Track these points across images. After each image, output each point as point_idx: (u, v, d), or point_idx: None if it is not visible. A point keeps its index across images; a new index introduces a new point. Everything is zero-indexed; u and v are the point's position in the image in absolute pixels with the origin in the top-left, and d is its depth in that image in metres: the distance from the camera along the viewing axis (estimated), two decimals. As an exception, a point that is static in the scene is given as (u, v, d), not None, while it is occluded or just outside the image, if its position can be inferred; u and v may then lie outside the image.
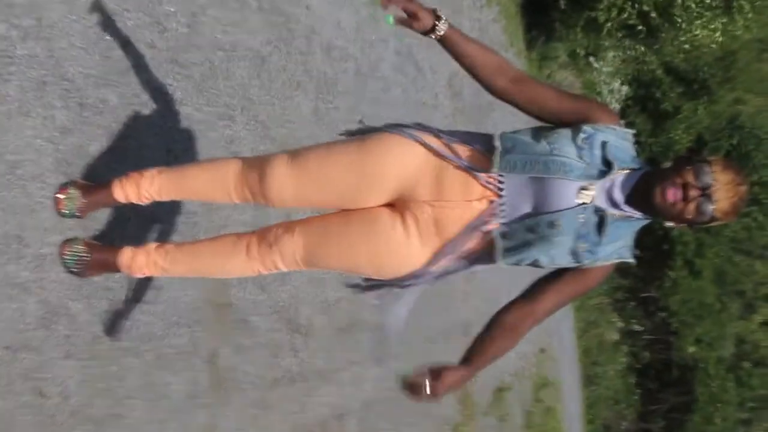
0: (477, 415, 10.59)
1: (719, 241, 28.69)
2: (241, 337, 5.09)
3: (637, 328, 30.52)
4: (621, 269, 21.78)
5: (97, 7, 3.99)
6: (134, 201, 3.68)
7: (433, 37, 3.16)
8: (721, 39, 19.04)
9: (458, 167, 3.23)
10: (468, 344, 3.28)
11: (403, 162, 3.30)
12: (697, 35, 18.62)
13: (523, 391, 14.00)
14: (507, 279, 11.83)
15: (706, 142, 27.94)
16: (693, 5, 17.37)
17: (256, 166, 3.48)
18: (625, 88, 24.50)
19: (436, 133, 3.34)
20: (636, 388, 31.21)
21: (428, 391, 3.00)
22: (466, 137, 3.33)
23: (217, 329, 4.85)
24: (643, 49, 21.02)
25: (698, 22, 18.14)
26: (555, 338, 18.87)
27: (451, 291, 9.85)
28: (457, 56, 3.25)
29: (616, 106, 23.83)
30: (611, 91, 23.23)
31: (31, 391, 3.41)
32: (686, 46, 19.06)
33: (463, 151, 3.27)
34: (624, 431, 31.28)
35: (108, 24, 4.05)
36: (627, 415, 31.09)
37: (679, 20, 17.73)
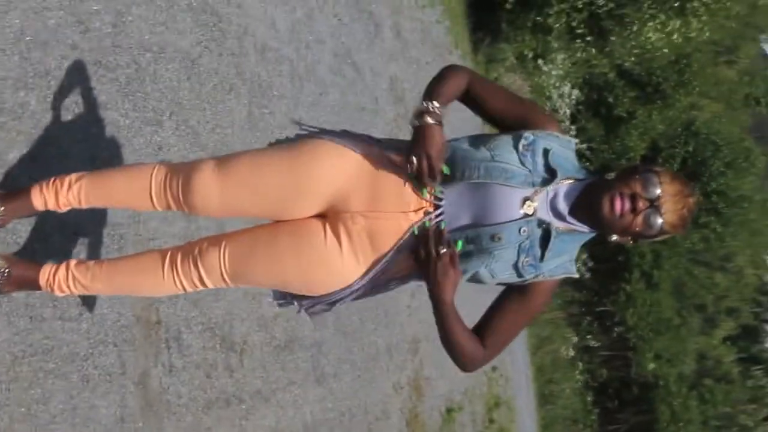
0: (426, 438, 10.60)
1: (677, 253, 29.02)
2: (172, 357, 5.06)
3: (593, 343, 30.71)
4: (575, 282, 21.84)
5: (16, 5, 3.96)
6: (52, 208, 3.65)
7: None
8: (678, 41, 19.28)
9: (393, 177, 3.25)
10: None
11: (336, 170, 3.31)
12: (650, 38, 18.83)
13: (475, 412, 14.04)
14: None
15: (662, 148, 28.27)
16: (645, 6, 17.57)
17: (181, 171, 3.46)
18: (575, 92, 24.74)
19: (368, 140, 3.37)
20: (594, 407, 31.39)
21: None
22: (401, 145, 3.35)
23: (147, 348, 4.83)
24: (593, 51, 21.22)
25: (651, 24, 18.36)
26: (507, 355, 18.94)
27: (395, 305, 9.87)
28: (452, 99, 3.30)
29: (566, 111, 24.05)
30: (561, 96, 23.43)
31: (-53, 415, 3.37)
32: (636, 50, 19.28)
33: (398, 159, 3.29)
34: (582, 453, 31.43)
35: (27, 23, 4.02)
36: (585, 436, 31.25)
37: (630, 22, 17.95)
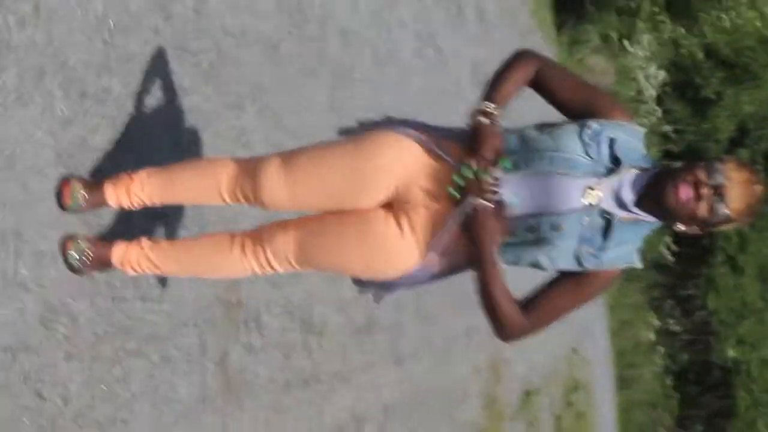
0: (504, 420, 10.61)
1: (763, 237, 28.53)
2: (252, 338, 5.12)
3: (674, 328, 30.38)
4: (658, 266, 21.63)
5: (99, -8, 4.02)
6: (125, 206, 3.72)
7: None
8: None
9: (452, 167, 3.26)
10: None
11: (399, 162, 3.33)
12: (741, 14, 18.56)
13: (553, 395, 14.00)
14: (523, 280, 11.85)
15: (750, 130, 27.80)
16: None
17: (249, 169, 3.52)
18: (662, 73, 24.42)
19: (430, 129, 3.38)
20: (674, 392, 31.07)
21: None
22: (461, 133, 3.36)
23: (227, 329, 4.89)
24: (682, 31, 20.94)
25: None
26: (587, 339, 18.86)
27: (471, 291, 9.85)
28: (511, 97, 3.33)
29: (652, 93, 23.76)
30: (647, 77, 23.16)
31: (30, 393, 3.43)
32: (726, 24, 18.97)
33: (458, 149, 3.30)
34: (661, 437, 31.17)
35: (110, 9, 4.07)
36: (663, 421, 30.96)
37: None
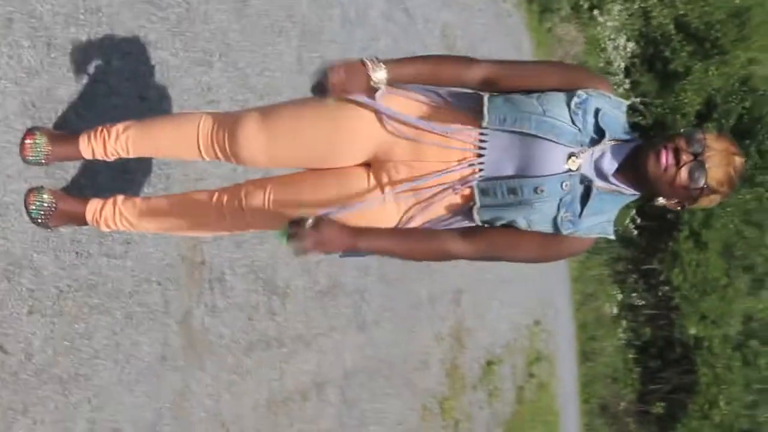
0: (465, 389, 10.68)
1: (728, 212, 28.71)
2: (215, 297, 5.15)
3: (638, 302, 30.61)
4: (622, 239, 21.74)
5: (68, -59, 4.00)
6: (100, 158, 3.72)
7: (377, 85, 3.23)
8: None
9: (437, 127, 3.28)
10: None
11: (378, 123, 3.36)
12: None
13: (515, 365, 14.11)
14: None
15: (717, 104, 27.95)
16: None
17: (226, 124, 3.52)
18: (631, 45, 24.51)
19: (411, 89, 3.39)
20: (635, 366, 31.34)
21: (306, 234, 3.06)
22: (450, 96, 3.39)
23: (191, 288, 4.91)
24: (654, 0, 20.96)
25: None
26: (550, 310, 18.98)
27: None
28: (417, 83, 3.33)
29: (621, 64, 23.85)
30: (616, 48, 23.25)
31: (-8, 346, 3.46)
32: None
33: (444, 112, 3.33)
34: (622, 412, 31.40)
35: (79, -41, 4.07)
36: (625, 395, 31.24)
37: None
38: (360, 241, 3.20)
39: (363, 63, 3.21)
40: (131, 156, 3.71)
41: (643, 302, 30.74)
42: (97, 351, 4.05)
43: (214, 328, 5.12)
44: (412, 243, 3.31)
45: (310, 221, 3.05)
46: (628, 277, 30.63)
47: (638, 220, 26.33)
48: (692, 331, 29.64)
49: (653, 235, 28.46)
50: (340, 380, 6.92)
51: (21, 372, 3.58)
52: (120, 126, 3.67)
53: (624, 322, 30.15)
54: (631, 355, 31.19)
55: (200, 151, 3.59)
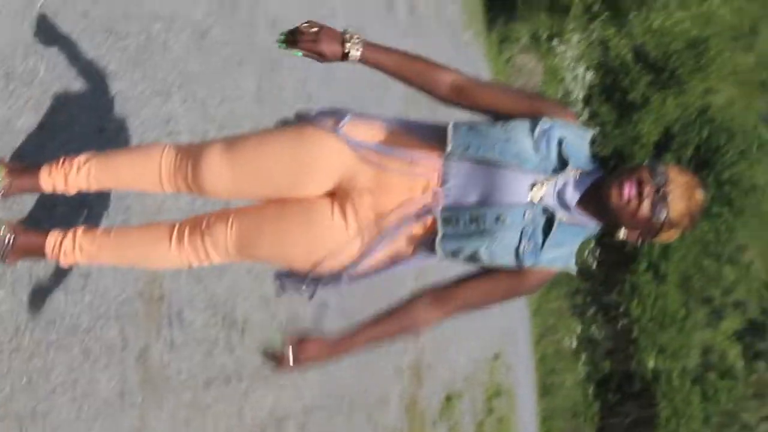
0: (425, 424, 10.67)
1: (686, 244, 28.93)
2: (174, 333, 5.12)
3: (597, 335, 30.72)
4: (582, 272, 21.89)
5: (28, -30, 4.00)
6: (61, 191, 3.69)
7: (350, 61, 3.25)
8: (697, 15, 19.27)
9: (401, 155, 3.30)
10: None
11: (342, 152, 3.37)
12: (672, 14, 18.82)
13: (475, 400, 14.11)
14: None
15: (675, 135, 28.21)
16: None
17: (189, 155, 3.52)
18: (590, 75, 24.71)
19: (376, 118, 3.42)
20: (595, 400, 31.40)
21: (291, 362, 3.24)
22: (415, 124, 3.43)
23: (149, 323, 4.88)
24: (612, 31, 21.17)
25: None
26: (510, 344, 19.01)
27: (398, 289, 9.89)
28: (385, 73, 3.35)
29: (579, 94, 24.03)
30: (575, 78, 23.43)
31: (-52, 383, 3.43)
32: (656, 24, 19.21)
33: (408, 140, 3.35)
34: (581, 446, 31.46)
35: (38, -11, 4.06)
36: (585, 429, 31.28)
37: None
38: (339, 347, 3.35)
39: (343, 33, 3.22)
40: (92, 189, 3.68)
41: (603, 335, 30.85)
42: (54, 387, 4.02)
43: (173, 363, 5.09)
44: (388, 328, 3.42)
45: (289, 349, 3.21)
46: (588, 310, 30.73)
47: (597, 253, 26.46)
48: (651, 364, 29.78)
49: (612, 267, 28.62)
50: (299, 415, 6.90)
51: (-23, 410, 3.55)
52: (81, 158, 3.64)
53: (584, 355, 30.23)
54: (591, 389, 31.27)
55: (162, 183, 3.57)
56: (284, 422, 6.60)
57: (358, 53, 3.24)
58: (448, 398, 11.96)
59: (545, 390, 27.48)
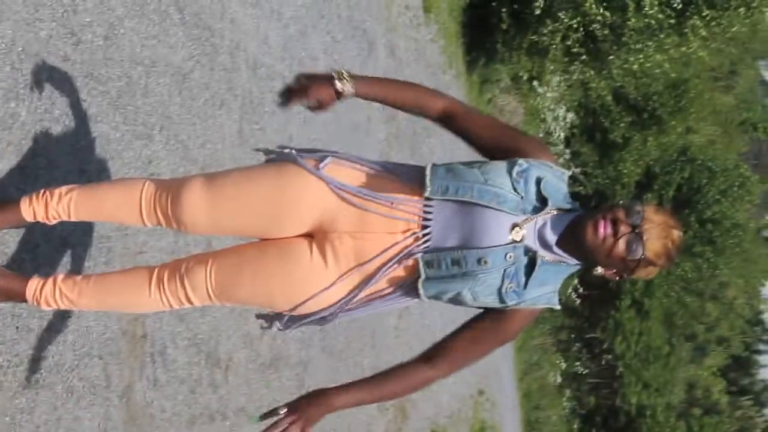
0: (410, 461, 10.64)
1: (669, 281, 28.96)
2: (157, 371, 5.12)
3: (581, 370, 30.67)
4: (565, 308, 21.84)
5: (8, 17, 4.02)
6: (41, 220, 3.69)
7: (345, 98, 3.35)
8: (676, 58, 19.34)
9: (382, 197, 3.33)
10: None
11: (322, 192, 3.38)
12: (650, 56, 18.88)
13: (460, 437, 14.07)
14: (441, 315, 11.92)
15: (657, 175, 28.28)
16: (648, 23, 17.56)
17: (170, 188, 3.53)
18: (570, 116, 24.76)
19: (357, 160, 3.45)
20: (580, 436, 31.35)
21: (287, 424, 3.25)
22: (395, 167, 3.45)
23: (132, 362, 4.89)
24: (591, 73, 21.24)
25: (650, 43, 18.41)
26: (494, 380, 18.98)
27: (382, 326, 9.92)
28: (380, 103, 3.49)
29: (560, 135, 24.08)
30: (556, 119, 23.47)
31: (-69, 422, 3.43)
32: (635, 66, 19.28)
33: (388, 182, 3.38)
34: (567, 483, 31.34)
35: (19, 34, 4.08)
36: (570, 465, 31.20)
37: (631, 42, 18.00)
38: (335, 404, 3.40)
39: (331, 74, 3.31)
40: (72, 219, 3.68)
41: (587, 371, 30.81)
42: (38, 426, 4.02)
43: (157, 401, 5.09)
44: (384, 389, 3.45)
45: (282, 410, 3.27)
46: (572, 346, 30.70)
47: (580, 289, 26.47)
48: (634, 400, 29.74)
49: (595, 304, 28.61)
50: (283, 453, 6.87)
51: (-41, 448, 3.55)
52: (63, 188, 3.65)
53: (568, 391, 30.17)
54: (575, 425, 31.20)
55: (142, 216, 3.58)
56: (268, 460, 6.58)
57: (353, 89, 3.32)
58: (433, 435, 11.94)
59: (530, 426, 27.37)
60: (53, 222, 3.70)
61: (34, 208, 3.65)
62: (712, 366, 34.79)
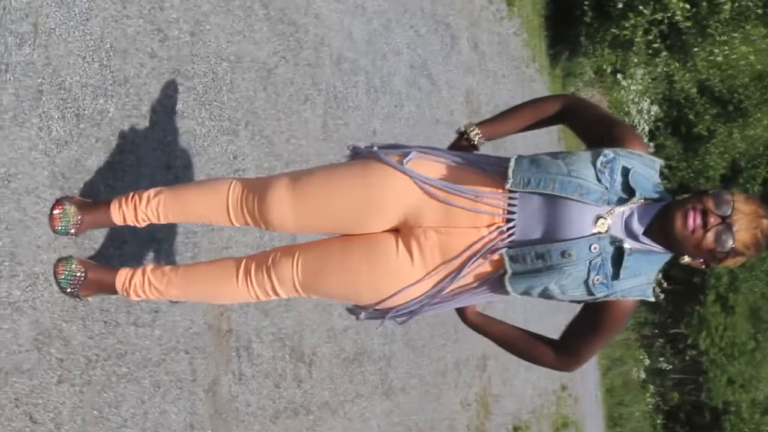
0: (492, 456, 10.61)
1: (755, 275, 28.59)
2: (242, 365, 5.14)
3: (665, 366, 30.40)
4: (649, 303, 21.84)
5: (97, 14, 4.06)
6: (131, 223, 3.75)
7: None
8: (765, 44, 19.07)
9: (466, 192, 3.31)
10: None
11: (408, 187, 3.37)
12: (736, 48, 18.63)
13: (542, 431, 13.99)
14: (525, 309, 11.88)
15: (742, 168, 27.89)
16: (739, 11, 17.32)
17: (257, 188, 3.55)
18: (655, 108, 24.50)
19: (442, 154, 3.43)
20: (663, 431, 31.07)
21: None
22: (479, 159, 3.42)
23: (218, 356, 4.91)
24: (676, 65, 20.98)
25: (736, 34, 18.16)
26: (577, 375, 18.84)
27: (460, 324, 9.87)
28: (510, 134, 3.70)
29: (645, 128, 23.86)
30: (640, 111, 23.25)
31: (22, 416, 3.46)
32: (720, 58, 19.02)
33: (473, 175, 3.36)
34: (650, 479, 31.11)
35: (107, 31, 4.13)
36: (653, 460, 30.96)
37: (716, 33, 17.77)
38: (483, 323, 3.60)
39: (463, 132, 3.55)
40: (161, 221, 3.73)
41: (671, 367, 30.53)
42: (125, 420, 4.06)
43: (242, 395, 5.11)
44: (515, 343, 3.59)
45: None
46: (655, 342, 30.45)
47: (664, 284, 26.22)
48: (721, 394, 29.42)
49: (679, 299, 28.32)
50: (367, 448, 6.89)
51: (49, 442, 3.58)
52: (151, 191, 3.70)
53: (652, 387, 29.93)
54: (659, 420, 30.94)
55: (230, 217, 3.61)
56: (352, 454, 6.60)
57: (483, 137, 3.54)
58: (516, 429, 11.87)
59: (613, 422, 27.19)
60: (143, 225, 3.75)
61: (123, 212, 3.70)
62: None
